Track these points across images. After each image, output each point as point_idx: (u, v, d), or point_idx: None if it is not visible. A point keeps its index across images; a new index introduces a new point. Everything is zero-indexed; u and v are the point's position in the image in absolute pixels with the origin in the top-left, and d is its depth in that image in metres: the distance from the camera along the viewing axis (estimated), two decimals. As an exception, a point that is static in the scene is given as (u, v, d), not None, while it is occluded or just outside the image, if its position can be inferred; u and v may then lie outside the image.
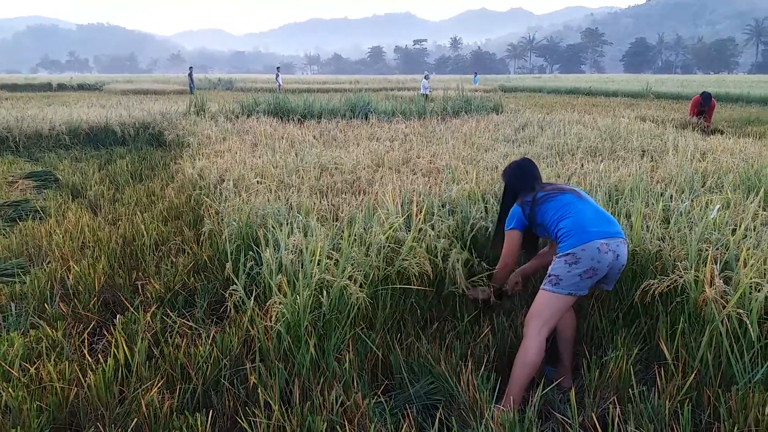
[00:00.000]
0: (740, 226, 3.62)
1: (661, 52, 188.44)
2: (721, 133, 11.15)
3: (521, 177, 3.42)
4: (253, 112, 13.14)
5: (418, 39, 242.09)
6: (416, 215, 3.97)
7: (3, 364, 2.85)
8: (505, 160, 6.66)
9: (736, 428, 2.42)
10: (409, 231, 3.84)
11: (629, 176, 5.49)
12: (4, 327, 3.56)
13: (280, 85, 33.09)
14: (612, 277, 3.05)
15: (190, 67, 33.73)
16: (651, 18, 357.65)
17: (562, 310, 3.00)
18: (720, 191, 5.15)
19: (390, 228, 3.81)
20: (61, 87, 39.81)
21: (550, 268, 3.01)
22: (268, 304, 3.15)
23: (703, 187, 5.37)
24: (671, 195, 4.88)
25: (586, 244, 2.90)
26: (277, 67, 35.99)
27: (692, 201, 4.64)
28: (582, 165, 6.39)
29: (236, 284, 3.39)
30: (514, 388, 2.81)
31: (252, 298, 3.30)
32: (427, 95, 21.67)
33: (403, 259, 3.55)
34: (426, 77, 25.78)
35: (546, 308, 2.94)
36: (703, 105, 12.61)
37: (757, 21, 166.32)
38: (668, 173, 5.84)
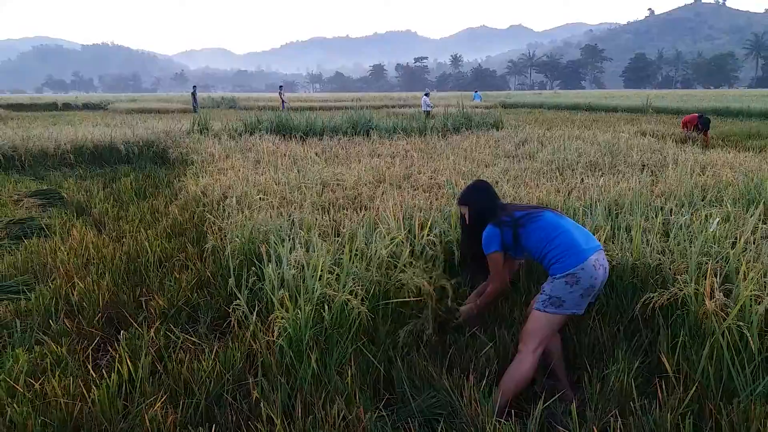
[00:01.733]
0: (740, 240, 3.64)
1: (661, 68, 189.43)
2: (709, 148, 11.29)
3: (487, 199, 3.36)
4: (256, 130, 13.25)
5: (419, 57, 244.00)
6: (418, 231, 4.00)
7: (8, 380, 2.88)
8: (505, 176, 6.71)
9: (738, 441, 2.42)
10: (411, 246, 3.87)
11: (629, 190, 5.52)
12: (10, 343, 3.58)
13: (284, 103, 33.35)
14: (599, 291, 3.08)
15: (194, 86, 33.91)
16: (650, 33, 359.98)
17: (558, 329, 3.10)
18: (720, 205, 5.17)
19: (391, 243, 3.84)
20: (66, 106, 40.13)
21: (548, 289, 2.99)
22: (270, 319, 3.18)
23: (703, 200, 5.39)
24: (671, 209, 4.91)
25: (584, 262, 2.92)
26: (280, 86, 36.30)
27: (692, 215, 4.67)
28: (582, 180, 6.43)
29: (239, 299, 3.42)
30: (502, 401, 2.84)
31: (254, 314, 3.33)
32: (428, 112, 21.80)
33: (400, 273, 3.57)
34: (426, 94, 25.90)
35: (545, 328, 2.99)
36: (702, 128, 13.01)
37: (756, 36, 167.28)
38: (668, 187, 5.87)
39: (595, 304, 3.76)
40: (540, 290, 3.08)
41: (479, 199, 3.36)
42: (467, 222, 3.41)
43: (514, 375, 2.92)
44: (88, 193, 8.41)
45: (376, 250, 3.74)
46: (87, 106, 40.57)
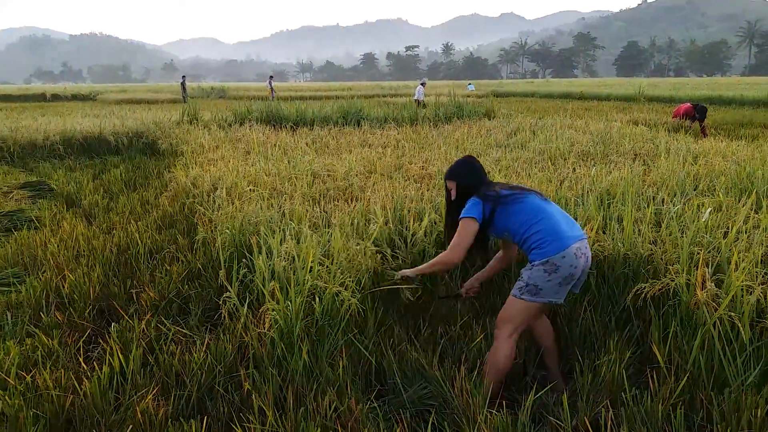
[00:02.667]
0: (732, 229, 3.65)
1: (654, 56, 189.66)
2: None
3: (473, 173, 3.27)
4: (246, 120, 13.18)
5: (410, 45, 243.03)
6: (411, 223, 3.99)
7: (-1, 373, 2.85)
8: (497, 166, 6.70)
9: (729, 431, 2.43)
10: (402, 237, 3.86)
11: (621, 180, 5.52)
12: (0, 336, 3.56)
13: (273, 92, 33.15)
14: (582, 281, 3.06)
15: (183, 76, 33.63)
16: (643, 21, 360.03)
17: (535, 316, 3.07)
18: (712, 194, 5.18)
19: (380, 234, 3.83)
20: (55, 97, 39.77)
21: (526, 276, 2.95)
22: (261, 310, 3.17)
23: (695, 190, 5.40)
24: (663, 198, 4.91)
25: (565, 250, 2.87)
26: (270, 76, 36.09)
27: (684, 204, 4.68)
28: (574, 169, 6.43)
29: (230, 292, 3.40)
30: (488, 391, 2.84)
31: (245, 305, 3.31)
32: (419, 101, 21.56)
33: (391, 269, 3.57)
34: (423, 84, 25.26)
35: (520, 315, 2.96)
36: (698, 117, 12.66)
37: (749, 23, 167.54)
38: (660, 177, 5.87)
39: (587, 294, 3.77)
40: (519, 276, 3.02)
41: (467, 175, 3.26)
42: (453, 198, 3.31)
43: (493, 363, 2.93)
44: (77, 185, 8.35)
45: (368, 239, 3.73)
46: (76, 97, 40.22)
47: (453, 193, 3.29)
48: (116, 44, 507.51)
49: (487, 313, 3.80)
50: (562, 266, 2.86)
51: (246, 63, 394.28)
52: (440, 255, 3.19)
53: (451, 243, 3.11)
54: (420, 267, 3.36)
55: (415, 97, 22.83)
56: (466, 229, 3.06)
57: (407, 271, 3.43)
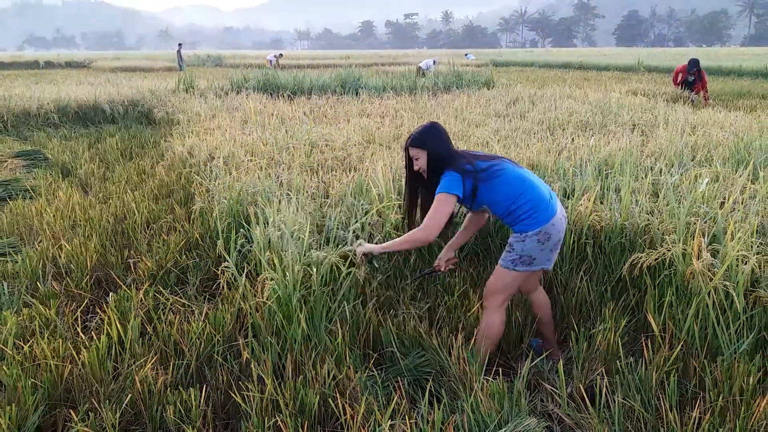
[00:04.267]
0: (728, 200, 3.65)
1: (654, 25, 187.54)
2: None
3: (443, 140, 2.98)
4: (243, 88, 13.04)
5: (409, 13, 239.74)
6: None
7: (-4, 342, 2.87)
8: (495, 136, 6.66)
9: (721, 398, 2.47)
10: (400, 208, 3.84)
11: (619, 150, 5.50)
12: (-3, 306, 3.57)
13: (182, 61, 30.95)
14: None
15: (179, 44, 32.98)
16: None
17: (524, 282, 3.07)
18: (709, 165, 5.18)
19: (381, 204, 3.82)
20: (49, 65, 39.21)
21: (519, 248, 2.86)
22: (260, 279, 3.17)
23: (692, 160, 5.39)
24: (661, 169, 4.91)
25: (554, 217, 2.85)
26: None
27: (681, 175, 4.67)
28: (572, 140, 6.40)
29: (228, 261, 3.40)
30: (482, 358, 2.86)
31: (244, 275, 3.32)
32: (423, 71, 20.90)
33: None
34: (434, 62, 23.59)
35: (512, 285, 2.96)
36: (689, 72, 12.06)
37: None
38: (658, 147, 5.86)
39: (583, 264, 3.79)
40: (507, 247, 2.94)
41: (439, 142, 2.96)
42: (418, 168, 3.02)
43: (487, 333, 2.94)
44: (73, 154, 8.30)
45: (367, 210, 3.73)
46: (70, 65, 39.67)
47: (421, 162, 2.98)
48: (110, 10, 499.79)
49: (484, 281, 3.81)
50: (554, 233, 2.85)
51: (243, 30, 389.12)
52: (412, 232, 2.95)
53: (426, 219, 2.88)
54: (387, 243, 3.09)
55: (425, 68, 21.74)
56: (446, 206, 2.86)
57: (371, 247, 3.14)
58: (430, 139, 2.96)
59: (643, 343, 2.94)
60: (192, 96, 12.18)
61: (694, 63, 12.09)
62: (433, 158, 2.95)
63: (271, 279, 3.03)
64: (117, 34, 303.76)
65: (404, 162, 3.16)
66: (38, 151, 8.60)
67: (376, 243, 3.62)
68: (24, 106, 11.51)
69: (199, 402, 2.54)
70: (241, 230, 3.90)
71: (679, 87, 12.55)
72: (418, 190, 3.12)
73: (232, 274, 3.40)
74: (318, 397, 2.52)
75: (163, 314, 3.25)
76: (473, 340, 3.00)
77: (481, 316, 3.09)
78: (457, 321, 3.31)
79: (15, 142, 9.81)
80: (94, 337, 2.93)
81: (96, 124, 11.68)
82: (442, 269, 3.31)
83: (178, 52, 31.80)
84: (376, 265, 3.23)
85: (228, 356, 2.94)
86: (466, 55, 44.57)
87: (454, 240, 3.36)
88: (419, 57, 41.06)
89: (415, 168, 3.02)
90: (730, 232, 3.07)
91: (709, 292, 2.87)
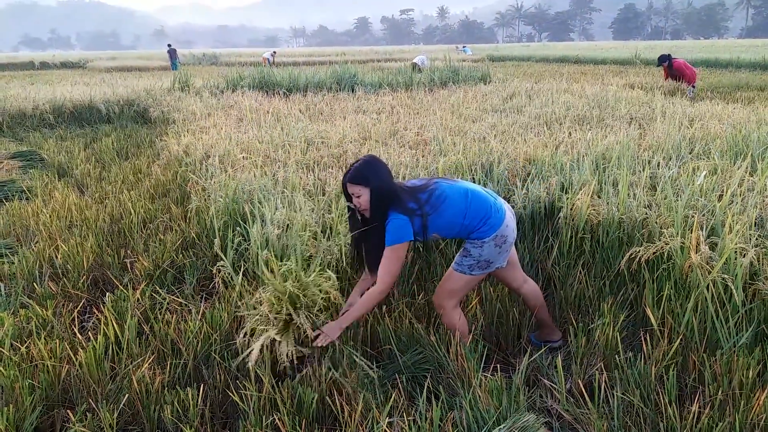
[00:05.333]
0: (726, 192, 3.64)
1: (651, 18, 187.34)
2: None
3: (385, 176, 2.77)
4: (238, 86, 13.01)
5: (404, 9, 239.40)
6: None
7: (-7, 344, 2.85)
8: (492, 131, 6.65)
9: (720, 392, 2.46)
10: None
11: (617, 144, 5.49)
12: (-7, 308, 3.55)
13: (174, 60, 29.52)
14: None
15: (168, 45, 31.39)
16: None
17: (508, 281, 3.14)
18: (707, 157, 5.17)
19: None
20: (44, 65, 39.12)
21: (476, 253, 2.82)
22: (257, 279, 3.16)
23: (690, 153, 5.38)
24: (658, 162, 4.90)
25: (505, 219, 2.85)
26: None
27: (679, 168, 4.66)
28: (570, 134, 6.39)
29: (224, 260, 3.39)
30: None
31: (240, 274, 3.30)
32: (418, 67, 20.87)
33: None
34: (427, 58, 23.86)
35: (466, 287, 2.97)
36: (659, 64, 12.62)
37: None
38: (656, 140, 5.85)
39: (581, 258, 3.78)
40: (462, 251, 2.90)
41: (381, 178, 2.73)
42: (361, 206, 2.77)
43: (454, 331, 2.92)
44: (69, 154, 8.27)
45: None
46: (65, 65, 39.58)
47: (362, 200, 2.74)
48: (105, 10, 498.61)
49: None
50: (509, 234, 2.86)
51: (237, 28, 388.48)
52: (371, 292, 2.73)
53: (382, 274, 2.69)
54: (349, 315, 2.75)
55: (421, 65, 21.76)
56: (399, 256, 2.71)
57: (341, 323, 2.72)
58: (374, 174, 2.73)
59: (642, 338, 2.93)
60: (187, 95, 12.15)
61: (662, 58, 12.51)
62: (378, 195, 2.71)
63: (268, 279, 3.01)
64: (112, 34, 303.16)
65: (346, 202, 2.89)
66: (34, 151, 8.57)
67: None
68: (19, 107, 11.48)
69: (197, 401, 2.53)
70: (237, 228, 3.88)
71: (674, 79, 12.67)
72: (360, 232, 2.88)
73: (229, 273, 3.39)
74: (316, 395, 2.51)
75: (160, 314, 3.24)
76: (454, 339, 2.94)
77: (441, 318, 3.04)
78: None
79: (11, 143, 9.78)
80: (91, 338, 2.92)
81: (92, 124, 11.65)
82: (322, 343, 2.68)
83: (169, 52, 30.83)
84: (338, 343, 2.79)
85: (226, 355, 2.93)
86: (462, 48, 43.96)
87: (352, 313, 2.79)
88: (415, 52, 40.97)
89: (355, 205, 2.79)
90: (729, 225, 3.06)
91: (707, 286, 2.86)
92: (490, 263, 2.87)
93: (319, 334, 2.67)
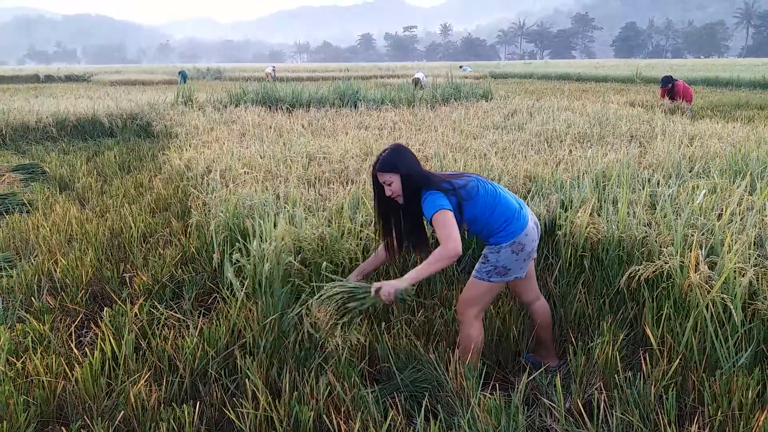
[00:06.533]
0: (726, 211, 3.64)
1: (652, 37, 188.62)
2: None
3: (414, 161, 2.87)
4: (241, 101, 13.07)
5: (408, 26, 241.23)
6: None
7: (-11, 358, 2.84)
8: (493, 148, 6.66)
9: (720, 412, 2.44)
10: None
11: (617, 162, 5.50)
12: (-9, 322, 3.54)
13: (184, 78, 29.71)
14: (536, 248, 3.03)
15: (180, 72, 31.89)
16: (641, 2, 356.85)
17: (520, 293, 3.13)
18: (707, 176, 5.17)
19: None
20: (49, 78, 39.42)
21: (494, 258, 2.85)
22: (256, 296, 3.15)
23: (690, 172, 5.39)
24: (658, 180, 4.90)
25: (526, 228, 2.87)
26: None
27: (679, 186, 4.66)
28: (570, 151, 6.40)
29: (225, 275, 3.38)
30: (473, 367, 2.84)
31: (243, 292, 3.30)
32: (418, 83, 21.08)
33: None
34: (424, 75, 24.25)
35: (487, 295, 2.96)
36: (663, 87, 12.84)
37: (747, 4, 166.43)
38: (656, 159, 5.85)
39: (581, 276, 3.77)
40: (482, 258, 2.93)
41: (411, 162, 2.84)
42: (393, 194, 2.86)
43: (467, 345, 2.92)
44: (71, 168, 8.29)
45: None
46: (70, 78, 39.89)
47: (394, 186, 2.82)
48: (111, 24, 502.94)
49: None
50: (527, 243, 2.88)
51: (243, 43, 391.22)
52: (438, 250, 2.67)
53: (443, 236, 2.67)
54: (416, 272, 2.72)
55: (421, 80, 22.03)
56: (447, 218, 2.68)
57: (398, 283, 2.70)
58: (401, 160, 2.82)
59: (642, 357, 2.92)
60: (190, 109, 12.20)
61: (666, 80, 12.83)
62: (408, 180, 2.80)
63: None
64: (118, 48, 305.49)
65: (373, 190, 2.98)
66: (36, 164, 8.60)
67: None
68: (23, 119, 11.54)
69: (193, 419, 2.51)
70: (237, 244, 3.87)
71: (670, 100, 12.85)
72: (391, 219, 2.98)
73: (228, 288, 3.38)
74: (313, 413, 2.49)
75: (158, 329, 3.23)
76: (459, 355, 2.94)
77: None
78: (455, 334, 3.28)
79: (13, 156, 9.82)
80: (88, 353, 2.90)
81: (94, 138, 11.70)
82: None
83: (181, 74, 31.19)
84: (408, 298, 2.78)
85: (223, 372, 2.91)
86: (460, 67, 44.33)
87: (364, 265, 3.15)
88: (418, 69, 41.18)
89: (387, 193, 2.86)
90: (728, 244, 3.06)
91: (707, 305, 2.85)
92: (507, 270, 2.88)
93: (379, 288, 2.70)
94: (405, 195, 2.84)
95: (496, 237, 2.86)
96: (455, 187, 2.82)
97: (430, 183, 2.80)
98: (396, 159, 2.82)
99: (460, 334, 2.99)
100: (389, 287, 2.67)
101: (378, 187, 2.92)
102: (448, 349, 3.00)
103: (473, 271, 2.98)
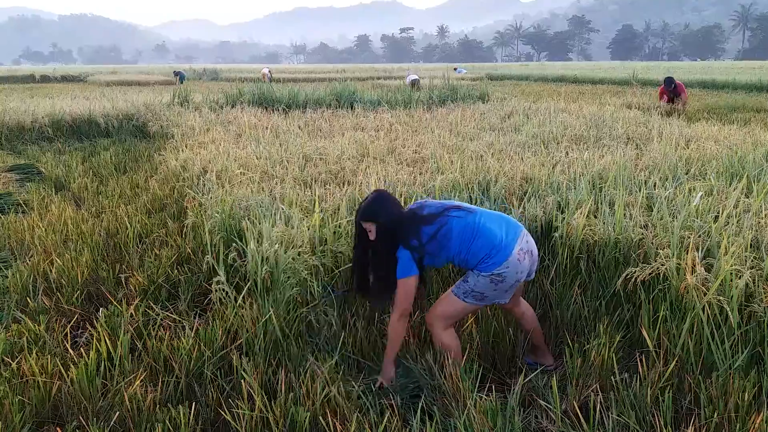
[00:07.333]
0: (722, 214, 3.65)
1: (648, 39, 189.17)
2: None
3: (393, 210, 2.90)
4: (238, 102, 13.05)
5: (404, 27, 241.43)
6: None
7: (-17, 359, 2.83)
8: (490, 150, 6.67)
9: (716, 414, 2.44)
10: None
11: (613, 164, 5.51)
12: (-14, 322, 3.52)
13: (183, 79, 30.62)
14: (533, 271, 2.98)
15: (177, 72, 32.70)
16: (637, 4, 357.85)
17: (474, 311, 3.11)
18: (703, 178, 5.19)
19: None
20: (45, 78, 39.29)
21: (472, 282, 2.84)
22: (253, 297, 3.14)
23: (686, 174, 5.40)
24: (655, 182, 4.91)
25: (507, 260, 2.77)
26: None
27: (675, 188, 4.67)
28: (567, 153, 6.41)
29: (219, 276, 3.38)
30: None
31: (241, 293, 3.29)
32: (418, 87, 21.11)
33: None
34: (409, 74, 24.45)
35: (459, 314, 2.96)
36: (669, 90, 13.07)
37: (743, 7, 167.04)
38: (652, 161, 5.87)
39: (577, 278, 3.77)
40: (464, 276, 2.92)
41: (389, 212, 2.88)
42: (370, 240, 2.92)
43: (447, 351, 2.89)
44: (66, 168, 8.27)
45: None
46: (66, 78, 39.76)
47: (371, 235, 2.91)
48: (107, 25, 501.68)
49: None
50: (508, 275, 2.79)
51: (239, 45, 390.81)
52: (391, 326, 2.89)
53: (396, 301, 2.85)
54: (387, 355, 2.95)
55: (416, 81, 22.19)
56: (410, 288, 2.84)
57: (388, 372, 2.94)
58: (381, 210, 2.88)
59: (638, 359, 2.92)
60: (187, 110, 12.18)
61: (669, 81, 13.14)
62: (382, 232, 2.86)
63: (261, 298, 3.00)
64: (114, 49, 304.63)
65: (354, 239, 3.06)
66: (32, 165, 8.57)
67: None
68: (18, 120, 11.49)
69: (189, 419, 2.51)
70: (233, 245, 3.87)
71: (667, 103, 12.93)
72: (368, 270, 3.02)
73: (224, 289, 3.37)
74: (309, 414, 2.49)
75: (154, 330, 3.22)
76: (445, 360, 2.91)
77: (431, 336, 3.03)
78: (451, 336, 3.27)
79: (8, 156, 9.78)
80: (84, 354, 2.89)
81: (90, 138, 11.67)
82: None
83: (177, 75, 31.76)
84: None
85: (218, 372, 2.90)
86: (455, 69, 44.32)
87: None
88: (413, 70, 41.18)
89: (372, 238, 2.91)
90: (724, 247, 3.07)
91: (703, 307, 2.85)
92: (484, 296, 2.84)
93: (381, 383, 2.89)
94: (378, 244, 2.89)
95: (478, 266, 2.81)
96: (422, 244, 2.82)
97: (402, 236, 2.84)
98: (376, 207, 2.88)
99: (436, 344, 2.97)
100: (384, 381, 2.90)
101: (358, 234, 2.96)
102: (443, 351, 2.99)
103: (453, 286, 2.96)
